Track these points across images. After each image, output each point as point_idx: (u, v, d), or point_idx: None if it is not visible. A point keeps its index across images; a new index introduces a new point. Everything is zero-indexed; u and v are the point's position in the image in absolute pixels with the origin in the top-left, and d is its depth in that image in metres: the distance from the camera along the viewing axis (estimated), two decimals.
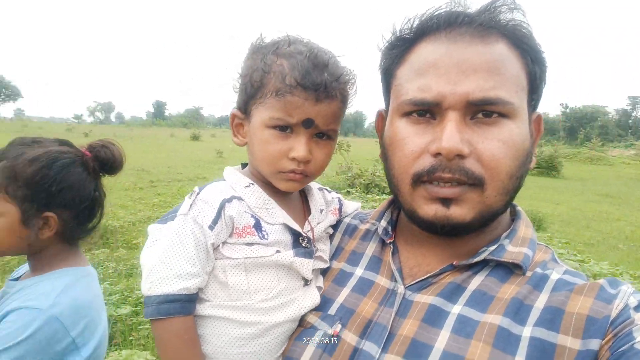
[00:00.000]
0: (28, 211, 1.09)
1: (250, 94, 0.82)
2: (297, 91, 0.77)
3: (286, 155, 0.81)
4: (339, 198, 1.02)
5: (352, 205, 1.04)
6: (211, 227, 0.80)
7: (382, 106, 0.88)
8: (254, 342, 0.80)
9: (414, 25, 0.78)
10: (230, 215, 0.80)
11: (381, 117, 0.87)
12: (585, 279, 0.75)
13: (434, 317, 0.73)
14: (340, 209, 1.00)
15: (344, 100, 0.84)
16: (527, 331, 0.68)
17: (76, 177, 1.13)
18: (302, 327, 0.85)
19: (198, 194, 0.84)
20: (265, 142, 0.81)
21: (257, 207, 0.84)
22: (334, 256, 0.94)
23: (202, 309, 0.81)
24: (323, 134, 0.84)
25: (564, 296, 0.70)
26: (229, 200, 0.82)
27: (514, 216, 0.85)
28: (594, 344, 0.65)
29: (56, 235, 1.16)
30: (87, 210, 1.19)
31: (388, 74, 0.82)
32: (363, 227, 0.95)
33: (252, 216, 0.83)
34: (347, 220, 1.00)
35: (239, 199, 0.84)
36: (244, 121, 0.86)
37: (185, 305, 0.78)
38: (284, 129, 0.81)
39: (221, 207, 0.81)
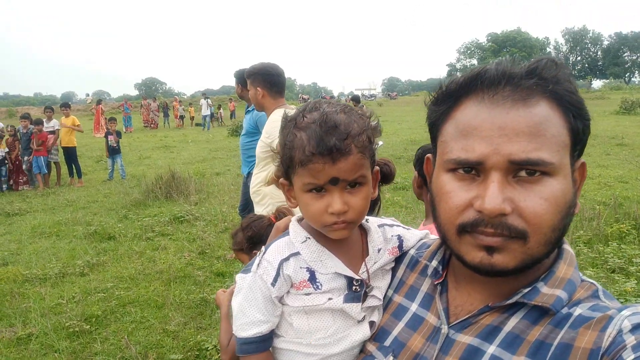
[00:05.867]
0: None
1: (287, 166, 0.94)
2: (316, 158, 0.87)
3: (325, 211, 0.91)
4: (398, 235, 1.08)
5: (415, 237, 1.09)
6: (273, 284, 0.95)
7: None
8: None
9: (460, 82, 0.80)
10: (287, 274, 0.96)
11: (429, 162, 0.93)
12: (610, 309, 0.75)
13: (471, 356, 0.79)
14: (400, 246, 1.06)
15: (362, 150, 0.90)
16: None
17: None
18: (363, 353, 0.97)
19: (264, 253, 0.99)
20: (307, 204, 0.93)
21: (312, 260, 0.97)
22: (396, 289, 1.02)
23: (277, 342, 1.00)
24: (354, 183, 0.92)
25: (576, 332, 0.73)
26: (287, 259, 0.97)
27: (558, 256, 0.86)
28: None
29: None
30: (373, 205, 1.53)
31: (435, 128, 0.85)
32: (423, 261, 1.01)
33: (308, 270, 0.97)
34: (412, 252, 1.06)
35: (297, 254, 0.98)
36: (290, 187, 0.98)
37: (259, 345, 0.98)
38: (318, 189, 0.91)
39: (279, 267, 0.96)
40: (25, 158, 10.62)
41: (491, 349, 0.78)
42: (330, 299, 0.95)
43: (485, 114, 0.75)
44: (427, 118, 0.88)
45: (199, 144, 18.87)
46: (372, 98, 65.92)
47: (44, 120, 11.07)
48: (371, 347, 0.95)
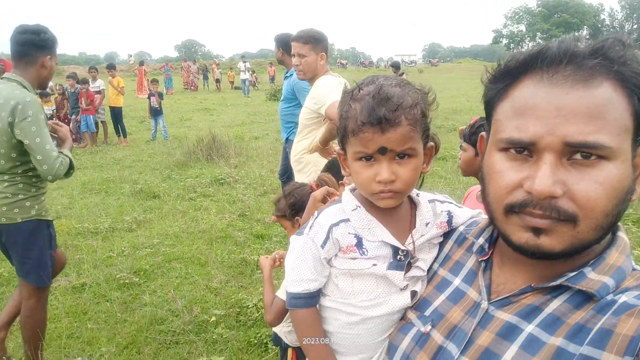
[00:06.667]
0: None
1: (343, 136, 1.00)
2: (366, 127, 0.92)
3: (374, 179, 0.95)
4: (448, 211, 1.10)
5: (466, 214, 1.11)
6: (322, 246, 1.02)
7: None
8: (358, 326, 1.03)
9: (520, 59, 0.78)
10: (336, 237, 1.01)
11: (482, 141, 0.92)
12: None
13: (509, 332, 0.80)
14: (450, 221, 1.09)
15: (412, 122, 0.93)
16: (579, 349, 0.71)
17: None
18: (404, 321, 1.02)
19: (316, 217, 1.06)
20: (357, 172, 0.98)
21: (360, 227, 1.02)
22: (442, 263, 1.05)
23: (323, 300, 1.07)
24: (403, 154, 0.96)
25: (618, 319, 0.71)
26: (337, 224, 1.02)
27: (611, 243, 0.84)
28: None
29: None
30: None
31: (490, 106, 0.84)
32: (470, 238, 1.02)
33: (355, 236, 1.01)
34: (461, 229, 1.08)
35: (347, 221, 1.03)
36: (345, 157, 1.03)
37: (307, 301, 1.05)
38: (367, 158, 0.96)
39: (329, 231, 1.02)
40: (73, 117, 11.03)
41: (529, 327, 0.78)
42: (374, 265, 1.00)
43: (543, 94, 0.73)
44: (483, 96, 0.87)
45: (238, 107, 19.04)
46: (413, 64, 64.08)
47: (89, 80, 11.40)
48: (412, 315, 1.00)
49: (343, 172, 1.08)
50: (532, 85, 0.75)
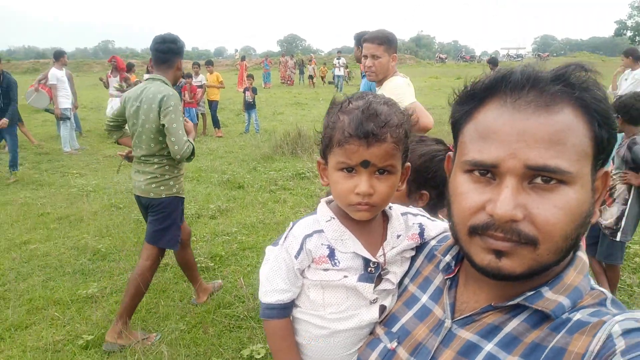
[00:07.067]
0: (411, 188, 1.59)
1: (326, 145, 1.02)
2: (352, 140, 0.95)
3: (352, 191, 0.98)
4: (420, 224, 1.12)
5: (438, 228, 1.12)
6: (296, 257, 1.04)
7: None
8: (327, 340, 1.05)
9: (485, 83, 0.79)
10: (309, 248, 1.03)
11: (449, 161, 0.94)
12: (607, 315, 0.74)
13: (469, 351, 0.82)
14: (421, 234, 1.10)
15: (396, 141, 0.97)
16: None
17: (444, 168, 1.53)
18: (373, 335, 1.03)
19: (291, 228, 1.08)
20: (337, 182, 1.00)
21: (333, 238, 1.04)
22: (412, 278, 1.06)
23: (295, 312, 1.09)
24: (383, 170, 0.98)
25: (571, 337, 0.73)
26: (310, 235, 1.04)
27: (569, 263, 0.85)
28: None
29: (427, 207, 1.61)
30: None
31: (456, 128, 0.86)
32: (438, 255, 1.03)
33: (328, 247, 1.03)
34: (432, 243, 1.09)
35: (320, 232, 1.05)
36: (325, 166, 1.05)
37: (280, 311, 1.07)
38: (349, 170, 0.98)
39: (303, 242, 1.04)
40: None
41: (489, 346, 0.80)
42: (345, 276, 1.01)
43: (506, 118, 0.74)
44: (450, 117, 0.88)
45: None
46: (519, 59, 59.90)
47: (192, 74, 12.30)
48: (380, 331, 1.01)
49: (321, 180, 1.10)
50: (496, 109, 0.77)
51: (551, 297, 0.78)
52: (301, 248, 1.03)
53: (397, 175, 1.01)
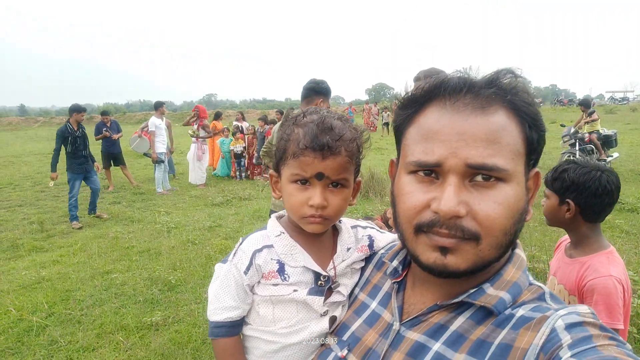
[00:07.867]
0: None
1: (279, 157, 1.03)
2: (307, 152, 0.95)
3: (306, 203, 0.98)
4: (369, 235, 1.12)
5: (387, 239, 1.13)
6: (245, 272, 1.02)
7: None
8: (278, 354, 1.03)
9: (425, 88, 0.83)
10: (258, 263, 1.02)
11: (393, 165, 0.94)
12: (550, 310, 0.75)
13: (417, 352, 0.83)
14: (371, 245, 1.10)
15: (349, 155, 0.98)
16: None
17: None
18: (324, 346, 1.03)
19: (241, 244, 1.07)
20: (290, 194, 1.00)
21: (283, 253, 1.03)
22: (362, 287, 1.07)
23: (245, 329, 1.08)
24: (337, 183, 0.99)
25: (516, 333, 0.75)
26: (260, 250, 1.04)
27: (508, 260, 0.87)
28: None
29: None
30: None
31: (399, 132, 0.88)
32: (386, 261, 1.04)
33: (278, 262, 1.03)
34: (381, 252, 1.10)
35: (270, 247, 1.04)
36: (278, 179, 1.06)
37: (229, 329, 1.05)
38: (303, 182, 0.98)
39: (252, 257, 1.03)
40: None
41: (436, 345, 0.81)
42: (295, 290, 1.00)
43: (446, 120, 0.78)
44: (392, 122, 0.92)
45: None
46: (625, 102, 55.40)
47: (276, 120, 12.97)
48: (331, 341, 1.01)
49: (273, 193, 1.10)
50: (436, 112, 0.80)
51: (492, 293, 0.81)
52: (250, 263, 1.02)
53: (349, 189, 1.02)
